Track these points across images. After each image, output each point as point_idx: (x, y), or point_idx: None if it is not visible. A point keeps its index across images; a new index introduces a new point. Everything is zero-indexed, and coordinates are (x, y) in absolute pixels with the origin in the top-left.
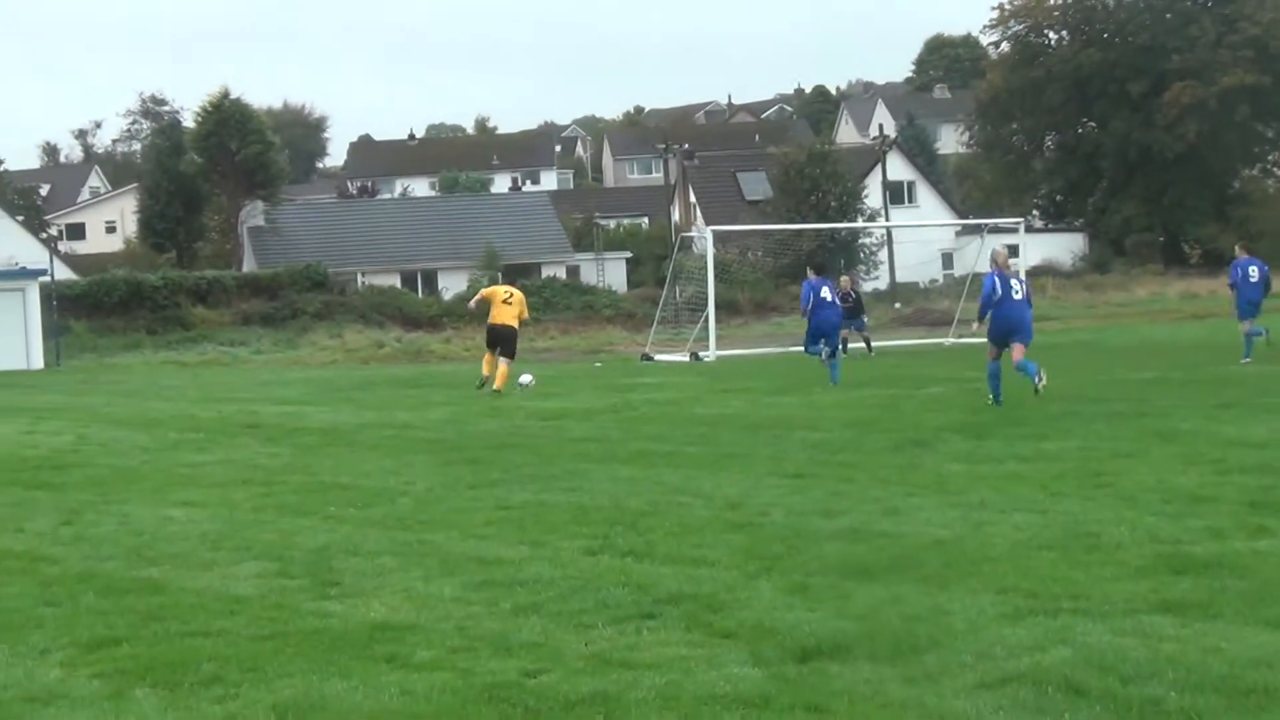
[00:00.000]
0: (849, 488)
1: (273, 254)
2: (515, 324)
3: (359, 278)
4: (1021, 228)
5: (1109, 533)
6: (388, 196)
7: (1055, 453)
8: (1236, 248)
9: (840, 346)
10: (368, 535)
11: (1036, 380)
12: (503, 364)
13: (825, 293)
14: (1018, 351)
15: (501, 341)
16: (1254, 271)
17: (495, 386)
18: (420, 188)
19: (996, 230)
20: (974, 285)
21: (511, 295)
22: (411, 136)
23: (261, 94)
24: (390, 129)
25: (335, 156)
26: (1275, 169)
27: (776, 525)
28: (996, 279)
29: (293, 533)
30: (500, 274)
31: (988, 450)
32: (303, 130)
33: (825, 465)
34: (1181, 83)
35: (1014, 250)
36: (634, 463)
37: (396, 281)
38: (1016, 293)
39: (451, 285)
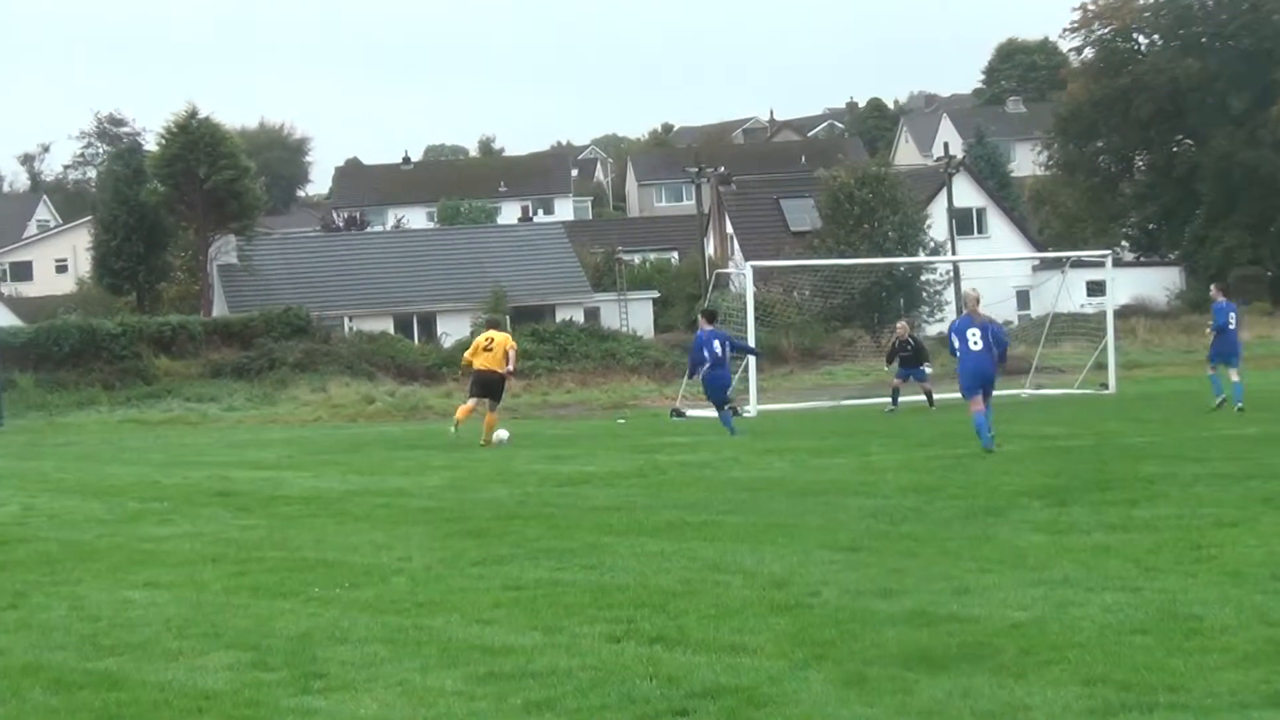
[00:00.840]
0: (912, 563)
1: (247, 296)
2: (500, 369)
3: (346, 323)
4: (1109, 261)
5: (1212, 614)
6: (379, 229)
7: (1150, 521)
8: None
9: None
10: (357, 620)
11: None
12: (490, 414)
13: (717, 347)
14: (977, 403)
15: (486, 389)
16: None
17: (482, 440)
18: (416, 218)
19: (1080, 264)
20: (1054, 328)
21: (491, 341)
22: (406, 160)
23: (234, 113)
24: (382, 152)
25: (319, 183)
26: None
27: (828, 606)
28: (954, 334)
29: (270, 617)
30: (509, 318)
31: (1072, 518)
32: (282, 153)
33: (884, 537)
34: None
35: (1101, 286)
36: (663, 535)
37: (389, 327)
38: (975, 343)
39: (452, 330)
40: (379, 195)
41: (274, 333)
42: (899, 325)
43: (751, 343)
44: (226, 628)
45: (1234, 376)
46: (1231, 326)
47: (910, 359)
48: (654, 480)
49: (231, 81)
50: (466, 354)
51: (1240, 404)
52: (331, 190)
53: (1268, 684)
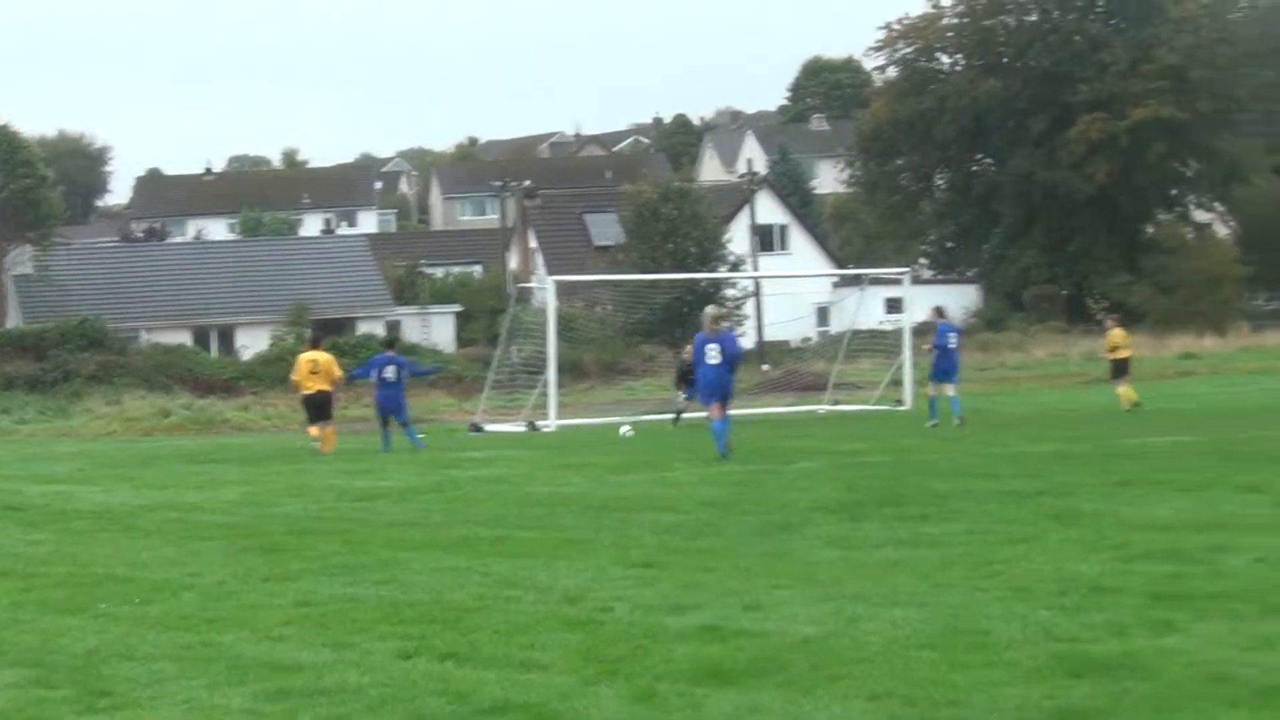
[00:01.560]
0: (705, 578)
1: (42, 307)
2: (328, 388)
3: (143, 335)
4: (907, 279)
5: (999, 630)
6: (179, 240)
7: (940, 537)
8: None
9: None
10: (144, 636)
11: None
12: (328, 428)
13: (389, 372)
14: (716, 410)
15: (317, 410)
16: None
17: (324, 451)
18: (217, 230)
19: (879, 281)
20: (853, 344)
21: (316, 363)
22: (208, 171)
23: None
24: (183, 162)
25: (119, 193)
26: (1196, 211)
27: (620, 622)
28: (695, 349)
29: (56, 634)
30: (310, 330)
31: (864, 534)
32: (81, 163)
33: (679, 553)
34: (1090, 115)
35: (899, 304)
36: (458, 550)
37: (187, 339)
38: (712, 358)
39: (251, 344)
40: (180, 206)
41: (69, 344)
42: (687, 349)
43: (552, 358)
44: (10, 645)
45: (950, 392)
46: (952, 346)
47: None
48: (450, 496)
49: (29, 89)
50: (295, 377)
51: (960, 417)
52: (131, 200)
53: (1051, 699)
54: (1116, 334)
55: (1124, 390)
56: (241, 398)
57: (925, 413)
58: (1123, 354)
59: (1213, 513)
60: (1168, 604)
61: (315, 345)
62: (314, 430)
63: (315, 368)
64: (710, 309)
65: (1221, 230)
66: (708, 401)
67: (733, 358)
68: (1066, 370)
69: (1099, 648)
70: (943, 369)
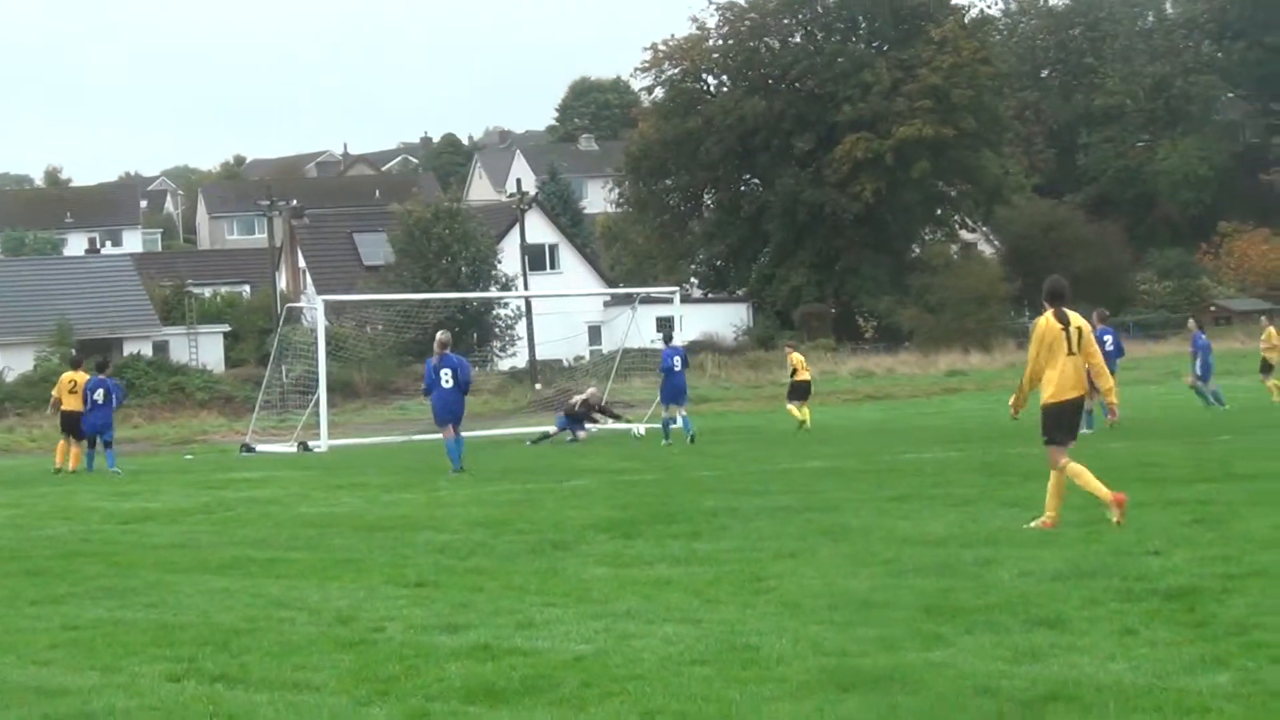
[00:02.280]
0: (478, 598)
1: None
2: (83, 408)
3: None
4: (677, 297)
5: (769, 645)
6: None
7: (711, 554)
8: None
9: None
10: None
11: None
12: (75, 448)
13: (99, 395)
14: (450, 431)
15: (74, 427)
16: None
17: (69, 469)
18: None
19: (650, 300)
20: (624, 363)
21: (75, 383)
22: None
23: None
24: None
25: None
26: (962, 231)
27: (393, 642)
28: (429, 371)
29: None
30: (75, 350)
31: (636, 552)
32: None
33: (451, 572)
34: (854, 135)
35: (669, 322)
36: (228, 572)
37: None
38: (446, 381)
39: (15, 364)
40: None
41: None
42: (591, 391)
43: (323, 378)
44: None
45: (682, 413)
46: (678, 369)
47: (582, 417)
48: (220, 517)
49: None
50: (55, 393)
51: (691, 435)
52: None
53: (820, 713)
54: (795, 358)
55: (798, 410)
56: (6, 419)
57: (660, 435)
58: (801, 376)
59: (980, 527)
60: (938, 618)
61: (76, 366)
62: (64, 448)
63: (74, 387)
64: (440, 334)
65: (987, 249)
66: (443, 424)
67: (465, 381)
68: (836, 388)
69: (868, 661)
70: (671, 392)
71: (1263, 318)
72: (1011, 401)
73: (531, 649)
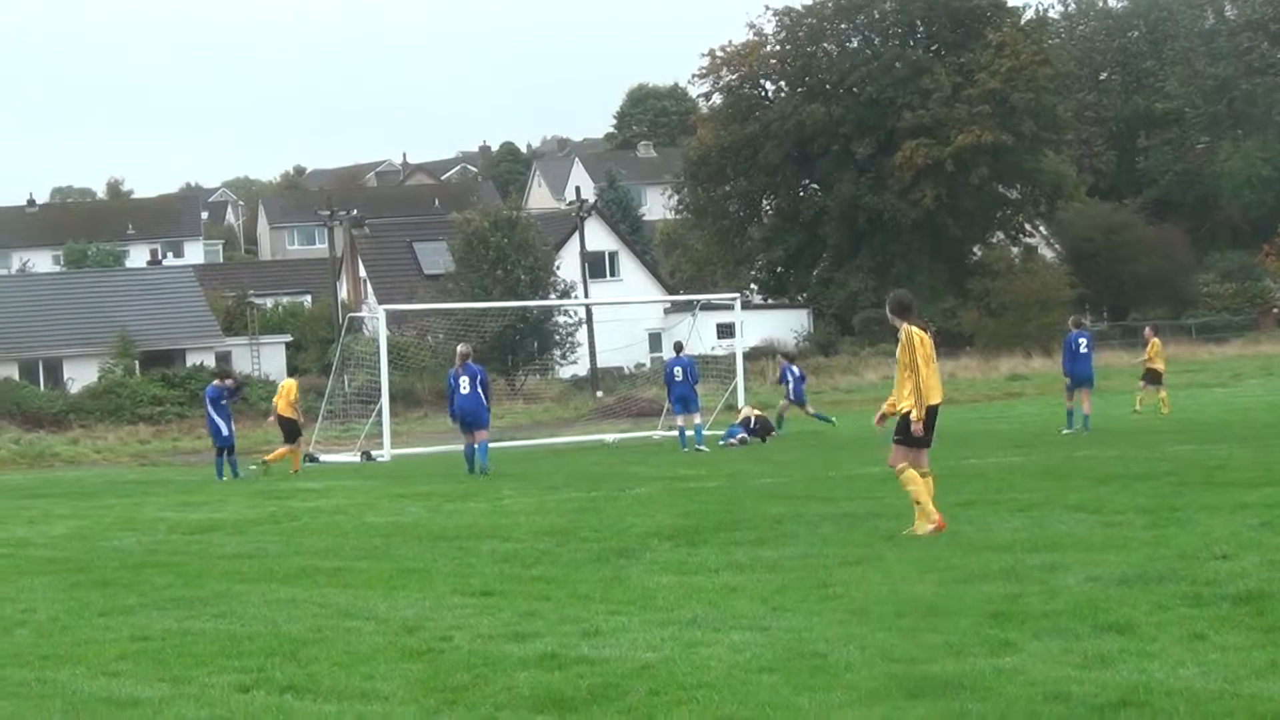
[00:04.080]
0: (544, 606)
1: None
2: (287, 413)
3: None
4: (737, 304)
5: (837, 652)
6: (3, 272)
7: (777, 561)
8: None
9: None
10: None
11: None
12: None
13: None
14: (469, 437)
15: (285, 432)
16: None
17: (293, 469)
18: (42, 262)
19: (710, 307)
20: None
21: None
22: (31, 202)
23: None
24: (5, 193)
25: None
26: (1021, 235)
27: (460, 652)
28: (450, 380)
29: None
30: (137, 363)
31: (701, 559)
32: None
33: (517, 581)
34: (914, 141)
35: (731, 329)
36: (295, 582)
37: (14, 373)
38: (465, 388)
39: (80, 376)
40: (3, 238)
41: None
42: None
43: (385, 387)
44: None
45: (695, 422)
46: (679, 380)
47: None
48: (286, 527)
49: None
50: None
51: (698, 445)
52: None
53: None
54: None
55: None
56: (71, 431)
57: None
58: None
59: (1046, 532)
60: (1006, 624)
61: (292, 374)
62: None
63: (289, 395)
64: (460, 346)
65: (1048, 252)
66: (464, 429)
67: (484, 384)
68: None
69: (936, 668)
70: (673, 401)
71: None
72: (898, 412)
73: (598, 657)
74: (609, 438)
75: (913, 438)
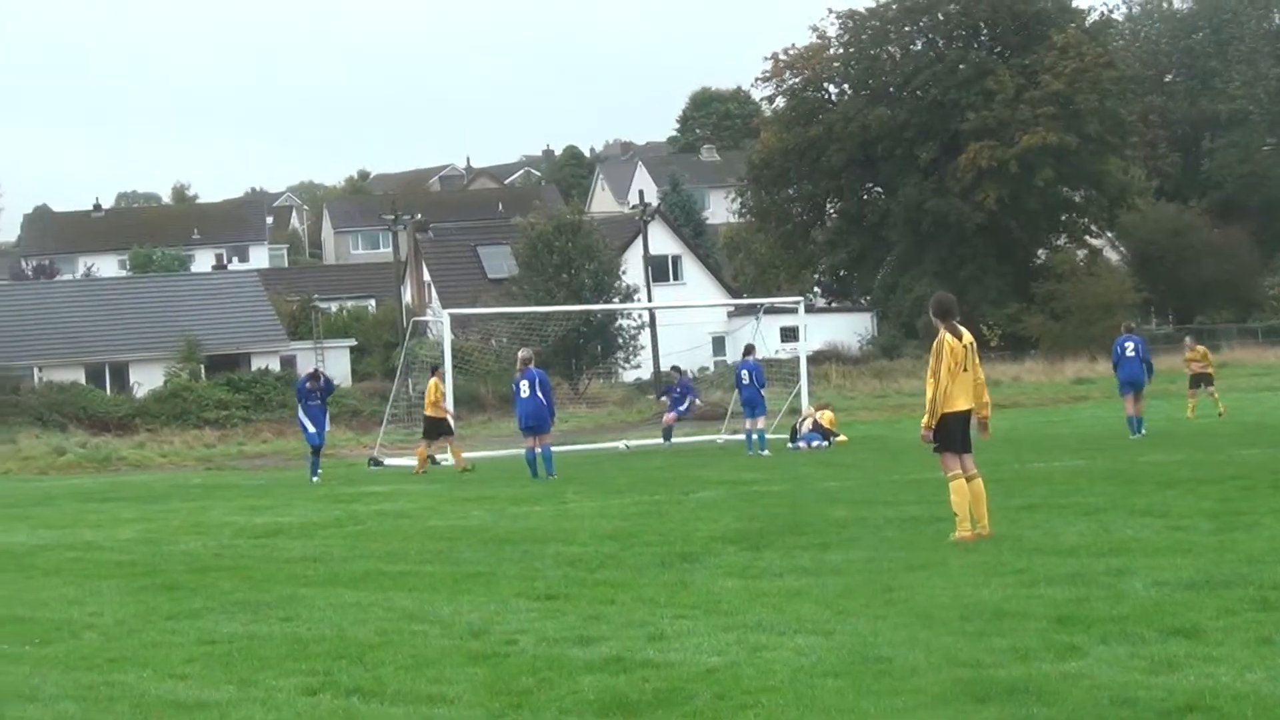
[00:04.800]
0: (609, 610)
1: None
2: (431, 412)
3: (35, 373)
4: (801, 307)
5: (902, 656)
6: (69, 277)
7: (841, 565)
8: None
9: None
10: (46, 677)
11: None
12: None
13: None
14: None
15: (435, 429)
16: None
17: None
18: (108, 266)
19: (774, 310)
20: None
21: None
22: (97, 207)
23: None
24: (72, 199)
25: (7, 231)
26: (1087, 237)
27: (526, 655)
28: (515, 380)
29: None
30: (203, 367)
31: (766, 563)
32: None
33: (581, 585)
34: (978, 143)
35: (794, 332)
36: (360, 585)
37: (80, 377)
38: (525, 392)
39: (145, 380)
40: (69, 243)
41: None
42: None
43: (449, 391)
44: None
45: (759, 426)
46: (745, 383)
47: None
48: (351, 531)
49: None
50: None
51: (761, 450)
52: (20, 238)
53: None
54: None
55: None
56: (137, 435)
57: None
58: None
59: (1112, 537)
60: (1072, 628)
61: (435, 372)
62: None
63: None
64: (522, 351)
65: (1113, 256)
66: (525, 432)
67: (545, 388)
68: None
69: (1003, 672)
70: (742, 404)
71: None
72: (925, 423)
73: (664, 661)
74: (621, 444)
75: (947, 443)
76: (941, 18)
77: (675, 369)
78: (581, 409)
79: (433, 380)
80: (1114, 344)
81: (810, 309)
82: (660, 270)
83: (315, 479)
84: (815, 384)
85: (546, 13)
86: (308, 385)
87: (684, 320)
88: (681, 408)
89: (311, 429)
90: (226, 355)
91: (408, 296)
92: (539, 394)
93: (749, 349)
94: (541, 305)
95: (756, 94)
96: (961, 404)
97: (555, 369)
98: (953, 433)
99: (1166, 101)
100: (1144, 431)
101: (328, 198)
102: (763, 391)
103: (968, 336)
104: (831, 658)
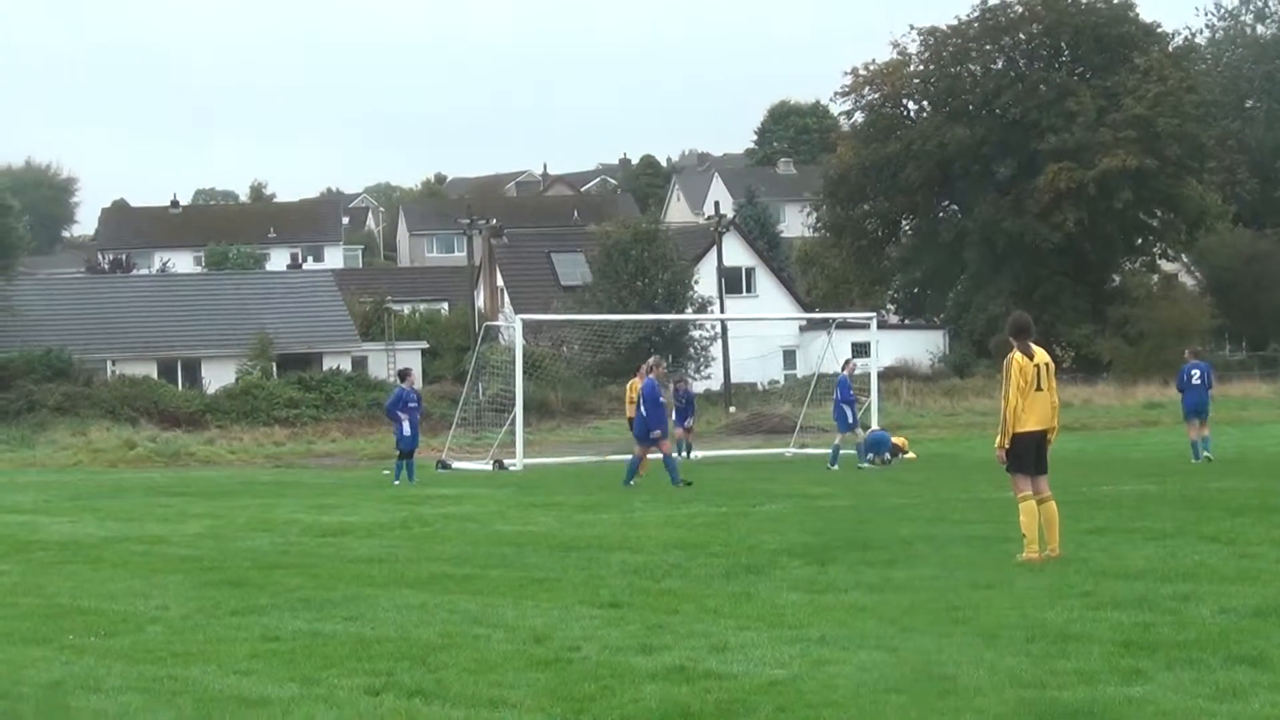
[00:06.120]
0: (673, 620)
1: (7, 337)
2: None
3: (109, 366)
4: (873, 323)
5: (966, 675)
6: (145, 272)
7: (907, 582)
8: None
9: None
10: (111, 668)
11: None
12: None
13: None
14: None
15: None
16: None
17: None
18: (183, 263)
19: (846, 325)
20: (819, 388)
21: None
22: (174, 203)
23: None
24: (150, 194)
25: (85, 225)
26: (1162, 260)
27: (589, 662)
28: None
29: (22, 664)
30: (274, 365)
31: (831, 578)
32: (48, 193)
33: (646, 593)
34: (1057, 164)
35: (866, 348)
36: (425, 587)
37: (153, 371)
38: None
39: (216, 377)
40: (146, 238)
41: (34, 375)
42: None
43: (519, 397)
44: None
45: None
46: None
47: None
48: (417, 532)
49: None
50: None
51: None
52: (98, 232)
53: None
54: None
55: None
56: (207, 431)
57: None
58: None
59: (1179, 562)
60: (1137, 652)
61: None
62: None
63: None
64: (654, 359)
65: (1188, 280)
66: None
67: (646, 399)
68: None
69: (1067, 694)
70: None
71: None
72: (998, 443)
73: (726, 673)
74: (788, 452)
75: (1018, 464)
76: (1023, 37)
77: (679, 375)
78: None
79: (634, 381)
80: (1180, 371)
81: (882, 325)
82: (733, 282)
83: (409, 481)
84: (885, 400)
85: (626, 22)
86: (404, 385)
87: (756, 333)
88: (689, 421)
89: (408, 432)
90: (298, 354)
91: (480, 301)
92: (640, 408)
93: (845, 363)
94: (614, 314)
95: (835, 108)
96: (1033, 424)
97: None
98: (1024, 453)
99: (1245, 127)
100: (1209, 456)
101: (404, 200)
102: (844, 406)
103: (1041, 356)
104: (895, 674)
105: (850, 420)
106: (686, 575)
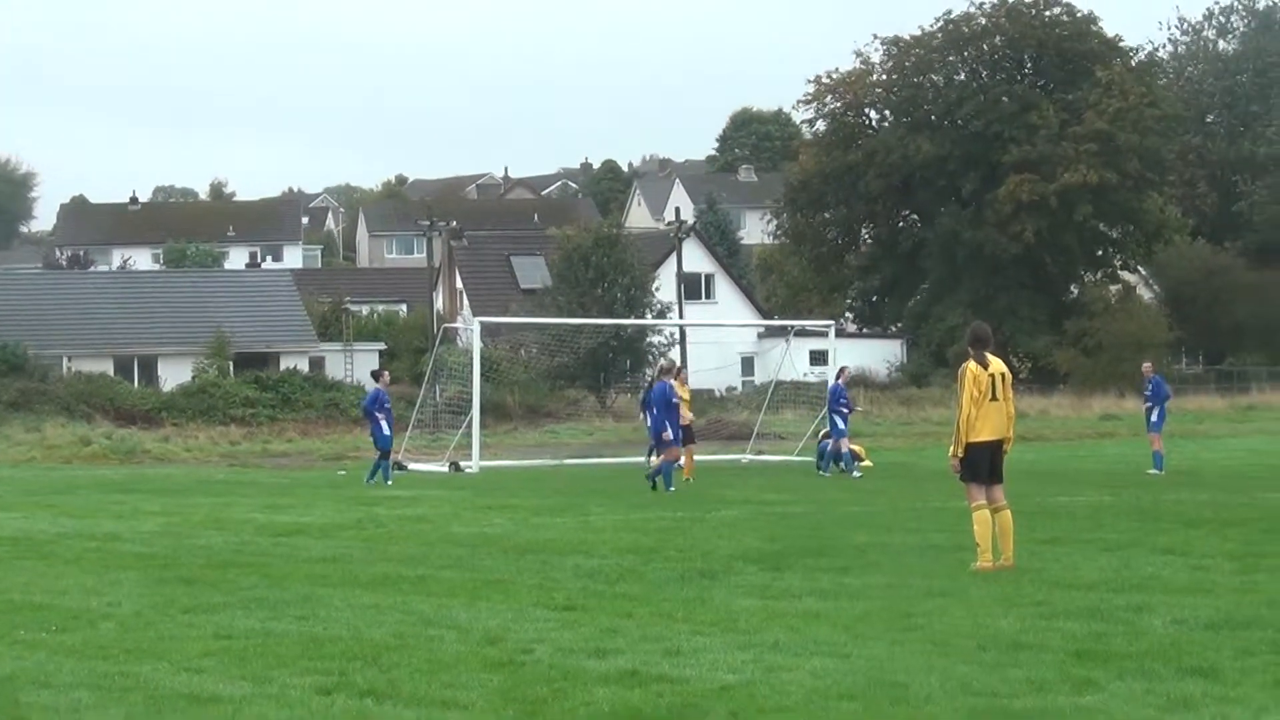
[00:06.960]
0: (626, 623)
1: None
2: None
3: (65, 363)
4: (831, 331)
5: (918, 683)
6: (103, 269)
7: (860, 589)
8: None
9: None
10: (62, 665)
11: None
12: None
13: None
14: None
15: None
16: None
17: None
18: (142, 260)
19: (804, 333)
20: (777, 394)
21: None
22: (133, 200)
23: None
24: (109, 191)
25: (43, 220)
26: (1123, 271)
27: (541, 664)
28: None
29: None
30: (231, 364)
31: (785, 584)
32: (6, 188)
33: (600, 597)
34: (1019, 176)
35: (824, 356)
36: (378, 588)
37: (109, 368)
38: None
39: (173, 375)
40: (104, 234)
41: None
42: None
43: (476, 399)
44: None
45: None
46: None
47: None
48: (371, 533)
49: None
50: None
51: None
52: (56, 227)
53: None
54: None
55: None
56: (162, 428)
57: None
58: None
59: (1133, 573)
60: (1089, 662)
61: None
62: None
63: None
64: (662, 361)
65: (1145, 293)
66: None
67: (651, 403)
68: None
69: (1019, 703)
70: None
71: None
72: (952, 452)
73: (679, 677)
74: (744, 458)
75: (972, 473)
76: (987, 49)
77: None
78: (608, 422)
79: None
80: (1158, 381)
81: (841, 333)
82: (693, 288)
83: (384, 482)
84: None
85: (589, 27)
86: (379, 384)
87: (715, 339)
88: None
89: (387, 431)
90: (255, 353)
91: (439, 303)
92: (648, 412)
93: (840, 371)
94: (573, 318)
95: (797, 116)
96: (987, 434)
97: (583, 382)
98: (978, 463)
99: (1206, 142)
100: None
101: (364, 201)
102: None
103: (996, 365)
104: (847, 681)
105: (841, 427)
106: (641, 579)
